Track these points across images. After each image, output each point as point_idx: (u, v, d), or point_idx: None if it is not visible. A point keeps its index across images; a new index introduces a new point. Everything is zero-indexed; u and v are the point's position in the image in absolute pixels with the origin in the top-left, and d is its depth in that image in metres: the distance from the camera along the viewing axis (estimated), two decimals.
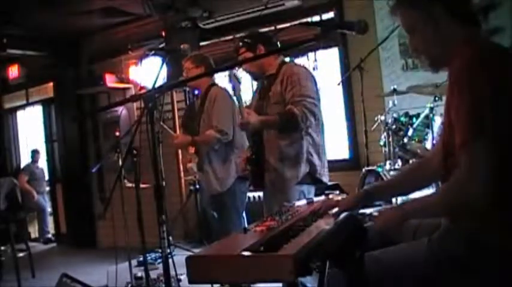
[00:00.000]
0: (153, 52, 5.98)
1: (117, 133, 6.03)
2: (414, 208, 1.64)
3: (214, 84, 3.94)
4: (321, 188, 3.01)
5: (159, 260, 4.78)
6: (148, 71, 6.00)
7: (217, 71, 3.97)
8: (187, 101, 6.50)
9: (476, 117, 1.42)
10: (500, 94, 1.45)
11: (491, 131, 1.41)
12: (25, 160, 8.78)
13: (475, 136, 1.42)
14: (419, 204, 1.65)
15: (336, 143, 5.63)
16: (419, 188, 2.04)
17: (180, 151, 6.42)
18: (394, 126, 4.22)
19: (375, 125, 4.52)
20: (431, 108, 3.93)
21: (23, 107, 8.63)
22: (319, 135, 3.08)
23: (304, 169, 2.98)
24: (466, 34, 1.62)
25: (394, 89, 4.33)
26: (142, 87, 5.84)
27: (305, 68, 3.21)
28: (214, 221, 4.22)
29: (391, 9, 1.74)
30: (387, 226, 1.65)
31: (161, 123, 4.15)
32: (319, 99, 3.07)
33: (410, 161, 4.04)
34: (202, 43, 5.98)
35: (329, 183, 4.81)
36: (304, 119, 2.87)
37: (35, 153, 8.16)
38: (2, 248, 5.64)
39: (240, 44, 3.17)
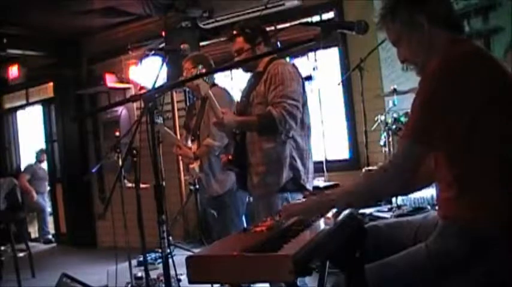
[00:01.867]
0: (153, 52, 5.98)
1: (117, 133, 6.03)
2: (343, 192, 1.74)
3: (214, 84, 3.93)
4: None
5: (159, 260, 4.78)
6: (148, 71, 5.99)
7: (216, 71, 3.97)
8: (187, 101, 6.50)
9: (422, 126, 1.56)
10: (452, 104, 1.52)
11: (425, 137, 1.54)
12: (25, 159, 8.78)
13: (406, 135, 1.60)
14: (346, 188, 1.75)
15: (336, 143, 5.63)
16: (419, 188, 2.04)
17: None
18: (394, 126, 4.22)
19: (375, 125, 4.52)
20: None
21: (23, 107, 8.63)
22: (304, 139, 2.91)
23: (287, 174, 2.82)
24: (449, 39, 1.65)
25: (394, 89, 4.33)
26: (142, 87, 5.84)
27: (292, 67, 2.94)
28: (215, 221, 4.22)
29: (376, 25, 1.78)
30: (313, 212, 1.71)
31: (165, 128, 4.11)
32: (305, 101, 2.90)
33: None
34: (202, 43, 5.98)
35: (329, 183, 4.84)
36: (282, 123, 2.71)
37: (40, 153, 8.14)
38: (2, 248, 5.64)
39: (238, 32, 2.98)
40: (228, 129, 2.91)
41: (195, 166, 4.07)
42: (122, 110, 6.56)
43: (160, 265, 2.64)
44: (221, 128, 2.95)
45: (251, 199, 3.28)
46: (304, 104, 2.88)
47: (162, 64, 3.03)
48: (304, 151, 2.89)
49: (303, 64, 5.66)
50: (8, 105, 8.79)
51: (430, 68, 1.59)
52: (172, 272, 2.33)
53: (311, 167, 2.94)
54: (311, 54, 5.57)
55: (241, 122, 2.86)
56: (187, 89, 6.32)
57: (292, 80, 2.80)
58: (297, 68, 2.95)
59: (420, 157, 1.58)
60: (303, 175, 2.86)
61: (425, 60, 1.69)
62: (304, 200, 1.89)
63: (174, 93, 6.60)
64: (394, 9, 1.71)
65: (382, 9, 1.75)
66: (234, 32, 3.00)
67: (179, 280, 3.73)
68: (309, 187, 2.90)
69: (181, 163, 6.54)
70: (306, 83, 5.45)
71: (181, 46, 3.57)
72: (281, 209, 1.82)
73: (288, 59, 5.69)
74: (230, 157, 3.02)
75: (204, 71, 3.70)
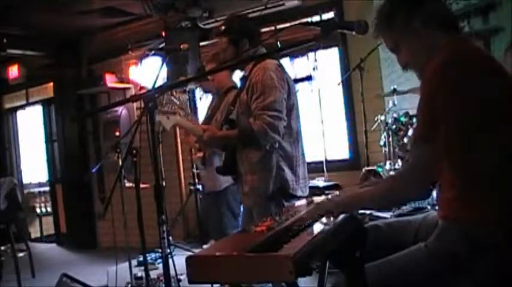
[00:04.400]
0: (153, 52, 5.99)
1: (117, 133, 6.03)
2: (359, 198, 1.74)
3: (235, 87, 3.95)
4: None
5: (159, 260, 4.78)
6: (148, 71, 6.00)
7: (215, 71, 3.98)
8: (188, 101, 6.51)
9: (424, 127, 1.57)
10: (452, 104, 1.52)
11: (440, 141, 1.53)
12: (25, 159, 8.78)
13: (418, 141, 1.60)
14: (365, 193, 1.75)
15: (336, 143, 5.63)
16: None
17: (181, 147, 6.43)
18: (394, 126, 4.23)
19: (375, 125, 4.52)
20: None
21: (23, 107, 8.62)
22: (294, 145, 2.77)
23: (274, 184, 2.71)
24: (447, 40, 1.65)
25: (394, 89, 4.33)
26: (142, 87, 5.86)
27: (276, 69, 2.72)
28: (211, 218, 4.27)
29: (372, 34, 1.78)
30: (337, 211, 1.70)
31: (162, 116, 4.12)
32: (292, 106, 2.75)
33: None
34: (202, 43, 5.99)
35: (329, 183, 4.84)
36: (264, 136, 2.60)
37: None
38: (2, 248, 5.64)
39: (224, 31, 2.85)
40: (208, 145, 2.84)
41: (198, 158, 4.08)
42: (122, 110, 6.56)
43: (160, 265, 2.64)
44: (203, 145, 2.89)
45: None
46: (292, 108, 2.75)
47: (162, 64, 3.02)
48: (294, 157, 2.77)
49: (303, 64, 5.67)
50: (8, 105, 8.79)
51: (428, 69, 1.59)
52: (172, 272, 2.33)
53: (302, 173, 2.82)
54: (311, 54, 5.57)
55: (223, 138, 2.81)
56: (187, 89, 6.33)
57: (274, 87, 2.64)
58: (282, 70, 2.78)
59: (431, 157, 1.56)
60: (292, 184, 2.75)
61: (424, 65, 1.69)
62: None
63: (174, 93, 6.59)
64: (389, 16, 1.71)
65: (377, 17, 1.74)
66: (223, 28, 2.88)
67: (179, 280, 3.73)
68: (301, 193, 2.78)
69: (181, 162, 6.55)
70: (306, 83, 5.51)
71: (181, 46, 3.57)
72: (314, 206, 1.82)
73: (288, 59, 5.74)
74: (220, 165, 2.95)
75: None
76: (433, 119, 1.54)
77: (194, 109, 6.25)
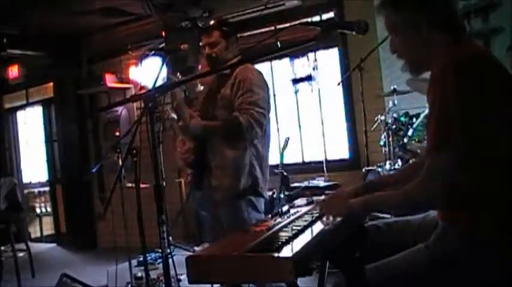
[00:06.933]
0: (153, 52, 5.98)
1: (117, 133, 6.03)
2: (377, 200, 1.69)
3: None
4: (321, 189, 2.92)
5: (159, 260, 4.78)
6: (148, 71, 6.00)
7: (217, 71, 3.98)
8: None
9: (443, 131, 1.50)
10: (469, 107, 1.49)
11: (456, 145, 1.49)
12: (25, 159, 8.78)
13: (439, 147, 1.52)
14: (382, 198, 1.70)
15: (336, 143, 5.64)
16: None
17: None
18: (394, 126, 4.22)
19: (375, 125, 4.52)
20: None
21: (23, 107, 8.61)
22: (265, 148, 2.89)
23: (245, 181, 2.79)
24: (448, 42, 1.63)
25: (394, 89, 4.33)
26: (142, 87, 5.85)
27: (260, 73, 2.90)
28: (207, 221, 4.27)
29: (376, 8, 1.76)
30: (349, 214, 1.68)
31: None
32: (269, 110, 2.88)
33: (411, 161, 4.04)
34: (202, 43, 5.98)
35: (329, 183, 4.85)
36: (249, 130, 2.69)
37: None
38: (2, 248, 5.63)
39: (215, 25, 2.95)
40: (192, 133, 2.86)
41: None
42: (122, 110, 6.56)
43: (160, 265, 2.64)
44: (186, 132, 2.91)
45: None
46: (268, 112, 2.86)
47: (162, 64, 3.02)
48: (264, 158, 2.87)
49: (303, 64, 5.67)
50: (8, 105, 8.78)
51: (437, 71, 1.56)
52: (172, 272, 2.33)
53: (268, 175, 2.93)
54: (311, 54, 5.57)
55: (206, 127, 2.83)
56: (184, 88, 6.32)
57: (260, 87, 2.79)
58: (262, 75, 2.91)
59: (455, 166, 1.51)
60: (261, 183, 2.84)
61: (417, 59, 1.69)
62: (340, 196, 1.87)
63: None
64: (398, 3, 1.70)
65: None
66: (213, 22, 2.98)
67: (179, 280, 3.73)
68: (265, 195, 2.90)
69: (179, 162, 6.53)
70: (306, 83, 5.52)
71: (181, 46, 3.57)
72: (321, 205, 1.80)
73: (288, 59, 5.74)
74: (189, 158, 2.94)
75: None
76: (450, 123, 1.49)
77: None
